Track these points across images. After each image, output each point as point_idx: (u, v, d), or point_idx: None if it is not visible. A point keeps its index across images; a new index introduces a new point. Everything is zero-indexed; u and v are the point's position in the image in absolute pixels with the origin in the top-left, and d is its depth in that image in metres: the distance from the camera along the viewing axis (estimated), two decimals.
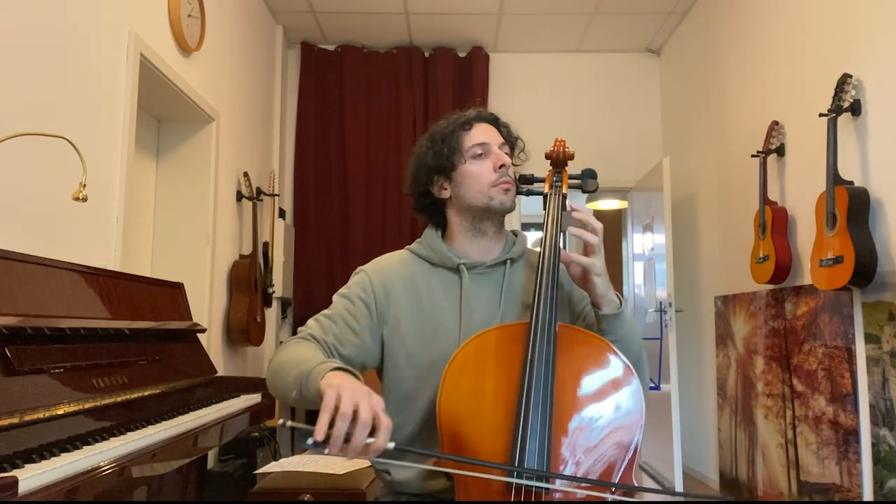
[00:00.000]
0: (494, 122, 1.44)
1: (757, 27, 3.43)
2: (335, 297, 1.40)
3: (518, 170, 1.43)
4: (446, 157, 1.37)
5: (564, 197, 1.37)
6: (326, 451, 0.97)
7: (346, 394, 0.99)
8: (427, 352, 1.31)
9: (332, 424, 0.97)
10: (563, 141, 1.42)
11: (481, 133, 1.39)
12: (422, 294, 1.36)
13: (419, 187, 1.43)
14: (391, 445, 1.00)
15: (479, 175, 1.36)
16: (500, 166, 1.36)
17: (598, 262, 1.27)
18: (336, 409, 0.97)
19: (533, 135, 1.46)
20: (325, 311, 1.38)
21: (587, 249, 1.28)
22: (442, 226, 1.45)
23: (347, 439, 0.97)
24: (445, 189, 1.40)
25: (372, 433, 0.98)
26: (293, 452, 3.04)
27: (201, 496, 2.37)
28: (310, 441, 0.96)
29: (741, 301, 3.53)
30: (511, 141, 1.44)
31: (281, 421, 1.02)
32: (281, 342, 1.38)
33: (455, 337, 1.31)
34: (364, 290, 1.37)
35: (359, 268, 1.43)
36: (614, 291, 1.30)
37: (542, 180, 1.42)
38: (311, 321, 1.37)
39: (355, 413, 0.97)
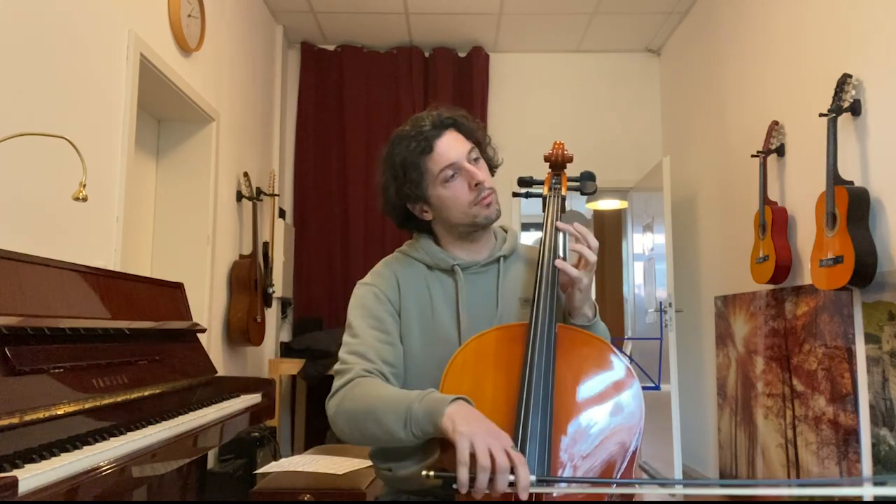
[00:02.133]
0: (453, 124, 1.34)
1: (757, 27, 3.43)
2: (354, 321, 1.32)
3: (516, 171, 1.42)
4: (415, 188, 1.31)
5: (563, 199, 1.37)
6: (474, 496, 1.01)
7: (479, 442, 1.00)
8: (429, 353, 1.31)
9: (472, 473, 0.99)
10: (562, 144, 1.43)
11: (446, 150, 1.30)
12: (421, 295, 1.36)
13: (399, 217, 1.39)
14: (533, 479, 1.00)
15: (456, 199, 1.31)
16: (476, 184, 1.30)
17: (585, 279, 1.27)
18: (472, 457, 0.99)
19: (533, 135, 1.47)
20: (352, 341, 1.30)
21: (580, 263, 1.28)
22: (430, 233, 1.43)
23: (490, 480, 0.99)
24: (426, 212, 1.37)
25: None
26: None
27: (201, 496, 2.36)
28: (454, 486, 1.00)
29: (741, 301, 3.53)
30: (475, 136, 1.36)
31: (424, 473, 1.04)
32: (331, 394, 1.31)
33: (454, 338, 1.31)
34: (379, 301, 1.34)
35: (359, 283, 1.39)
36: (591, 302, 1.31)
37: (542, 183, 1.42)
38: (347, 356, 1.28)
39: (492, 460, 0.99)
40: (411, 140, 1.31)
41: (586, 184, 1.41)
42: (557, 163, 1.42)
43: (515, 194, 1.43)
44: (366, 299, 1.34)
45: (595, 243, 1.28)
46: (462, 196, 1.31)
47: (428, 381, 1.27)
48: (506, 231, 1.46)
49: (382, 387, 1.22)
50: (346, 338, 1.32)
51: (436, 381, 1.22)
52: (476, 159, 1.34)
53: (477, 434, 1.01)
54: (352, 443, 1.24)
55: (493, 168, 1.40)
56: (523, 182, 1.43)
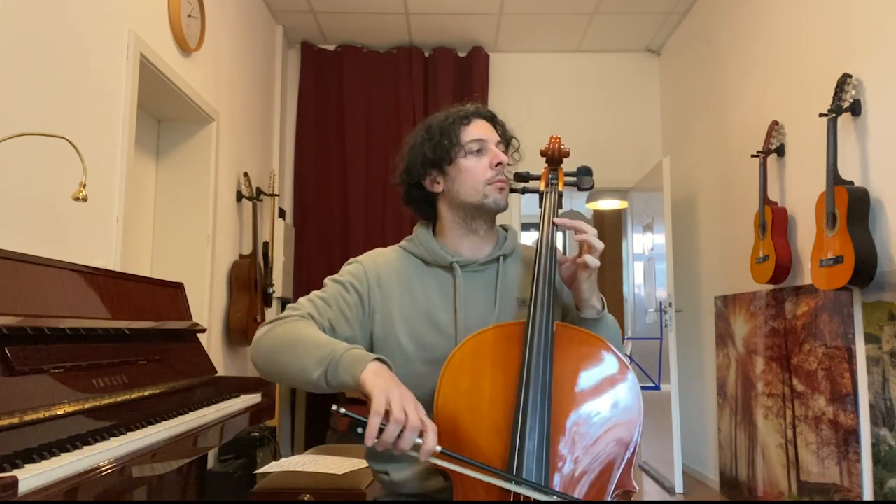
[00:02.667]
0: (492, 119, 1.42)
1: (757, 27, 3.43)
2: (328, 281, 1.37)
3: (511, 169, 1.42)
4: (444, 150, 1.35)
5: (560, 195, 1.37)
6: (377, 447, 1.04)
7: (396, 399, 1.04)
8: (424, 352, 1.31)
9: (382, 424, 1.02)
10: (559, 138, 1.41)
11: (479, 129, 1.37)
12: (417, 293, 1.35)
13: (412, 178, 1.40)
14: (438, 448, 1.05)
15: (474, 171, 1.34)
16: (497, 164, 1.34)
17: (592, 265, 1.26)
18: (387, 412, 1.03)
19: (533, 135, 1.46)
20: (319, 293, 1.35)
21: (582, 249, 1.27)
22: (431, 219, 1.43)
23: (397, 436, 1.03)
24: (438, 183, 1.38)
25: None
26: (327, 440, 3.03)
27: (201, 496, 2.36)
28: (360, 430, 1.03)
29: (741, 301, 3.53)
30: (507, 140, 1.42)
31: (335, 407, 1.07)
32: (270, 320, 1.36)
33: (451, 336, 1.30)
34: (359, 280, 1.35)
35: (353, 258, 1.41)
36: (598, 295, 1.31)
37: (538, 178, 1.41)
38: (303, 300, 1.34)
39: (406, 417, 1.03)
40: (451, 115, 1.38)
41: (583, 178, 1.39)
42: (554, 157, 1.40)
43: (512, 190, 1.42)
44: (349, 272, 1.38)
45: (594, 230, 1.28)
46: (481, 171, 1.34)
47: (420, 379, 1.27)
48: (507, 230, 1.45)
49: (316, 331, 1.24)
50: (313, 291, 1.37)
51: (428, 379, 1.22)
52: (503, 152, 1.39)
53: (395, 391, 1.06)
54: (263, 372, 1.26)
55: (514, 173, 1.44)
56: (520, 177, 1.42)
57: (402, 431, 1.03)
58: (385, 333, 1.33)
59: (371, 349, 1.35)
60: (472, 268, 1.36)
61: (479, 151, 1.35)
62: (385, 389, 1.06)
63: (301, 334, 1.22)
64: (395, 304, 1.34)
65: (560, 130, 1.60)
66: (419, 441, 1.03)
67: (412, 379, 1.31)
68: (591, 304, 1.30)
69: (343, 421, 1.12)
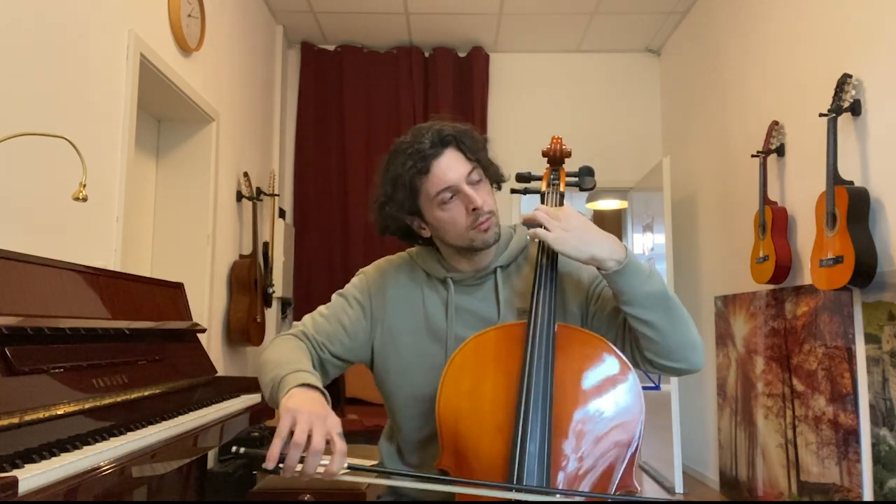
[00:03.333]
0: (453, 142, 1.26)
1: (757, 27, 3.43)
2: (334, 296, 1.41)
3: (511, 169, 1.36)
4: (411, 206, 1.27)
5: (562, 195, 1.36)
6: (282, 474, 1.00)
7: (302, 419, 1.01)
8: (422, 360, 1.31)
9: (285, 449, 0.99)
10: (560, 138, 1.41)
11: (443, 171, 1.23)
12: (417, 303, 1.35)
13: (396, 231, 1.34)
14: (346, 467, 1.01)
15: (453, 222, 1.25)
16: (474, 209, 1.23)
17: (551, 234, 1.18)
18: (291, 434, 0.99)
19: (532, 134, 1.45)
20: (322, 309, 1.39)
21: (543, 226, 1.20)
22: (432, 244, 1.38)
23: (302, 460, 0.99)
24: (424, 229, 1.32)
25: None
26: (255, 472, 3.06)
27: (201, 496, 2.36)
28: (263, 465, 0.99)
29: (741, 301, 3.53)
30: (476, 153, 1.28)
31: (234, 448, 1.04)
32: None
33: (441, 347, 1.30)
34: (361, 292, 1.38)
35: (361, 270, 1.43)
36: (606, 243, 1.18)
37: (540, 178, 1.41)
38: (306, 317, 1.38)
39: (309, 439, 0.99)
40: (408, 158, 1.24)
41: (585, 179, 1.39)
42: (556, 158, 1.40)
43: (514, 191, 1.42)
44: (353, 285, 1.40)
45: (545, 211, 1.21)
46: (459, 219, 1.24)
47: (419, 388, 1.28)
48: (514, 230, 1.39)
49: (293, 350, 1.26)
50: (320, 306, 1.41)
51: (426, 388, 1.23)
52: (477, 182, 1.26)
53: (302, 412, 1.02)
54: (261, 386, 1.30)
55: (498, 183, 1.34)
56: (521, 178, 1.41)
57: (305, 455, 0.99)
58: (384, 342, 1.35)
59: (372, 358, 1.36)
60: (468, 282, 1.33)
61: (451, 198, 1.24)
62: (293, 411, 1.02)
63: (272, 356, 1.25)
64: (396, 313, 1.35)
65: (560, 130, 1.59)
66: (325, 463, 1.00)
67: (411, 388, 1.31)
68: (596, 258, 1.17)
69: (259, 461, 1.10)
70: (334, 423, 1.03)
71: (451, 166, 1.24)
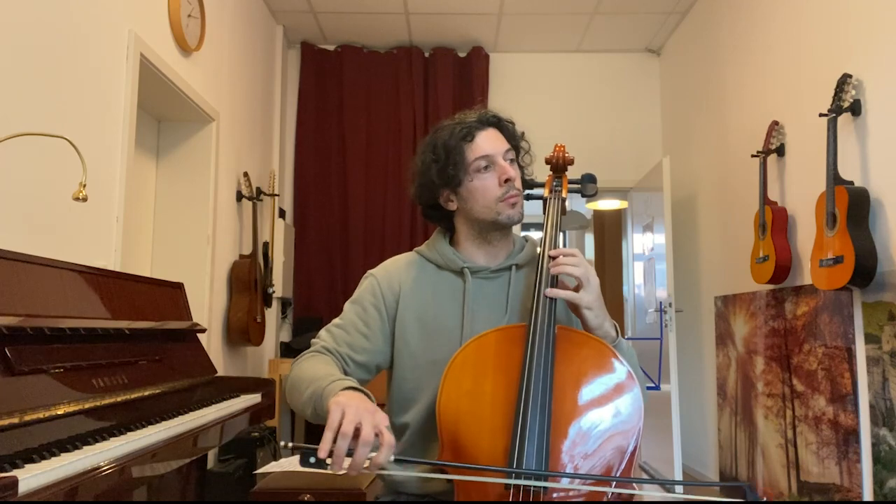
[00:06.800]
0: (497, 123, 1.39)
1: (757, 27, 3.43)
2: (346, 305, 1.41)
3: (528, 169, 1.42)
4: (451, 174, 1.34)
5: (564, 201, 1.38)
6: (329, 468, 1.01)
7: (350, 412, 1.02)
8: (429, 353, 1.32)
9: (335, 441, 1.00)
10: (563, 146, 1.44)
11: (484, 143, 1.35)
12: (427, 296, 1.37)
13: (427, 200, 1.41)
14: (392, 459, 1.03)
15: (484, 191, 1.34)
16: (506, 180, 1.33)
17: (585, 297, 1.24)
18: (339, 426, 1.01)
19: (533, 135, 1.46)
20: (336, 321, 1.40)
21: (578, 284, 1.26)
22: (451, 231, 1.45)
23: (350, 454, 1.00)
24: (452, 201, 1.39)
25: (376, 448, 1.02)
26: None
27: (201, 496, 2.36)
28: (312, 459, 1.00)
29: (741, 301, 3.53)
30: (515, 141, 1.41)
31: (283, 443, 1.08)
32: (294, 358, 1.40)
33: (457, 340, 1.31)
34: (374, 294, 1.39)
35: (368, 272, 1.44)
36: (610, 322, 1.29)
37: (542, 185, 1.43)
38: (322, 332, 1.39)
39: (357, 431, 1.00)
40: (455, 126, 1.36)
41: (587, 186, 1.43)
42: (559, 165, 1.43)
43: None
44: (363, 290, 1.41)
45: (579, 256, 1.26)
46: (490, 189, 1.33)
47: (427, 380, 1.28)
48: (526, 240, 1.46)
49: (318, 366, 1.26)
50: (334, 319, 1.42)
51: (434, 380, 1.22)
52: (512, 160, 1.37)
53: (351, 406, 1.04)
54: (291, 406, 1.30)
55: (523, 178, 1.42)
56: (524, 184, 1.43)
57: (353, 446, 1.00)
58: (398, 337, 1.36)
59: (393, 356, 1.38)
60: (483, 274, 1.37)
61: (486, 168, 1.34)
62: (342, 405, 1.04)
63: (304, 374, 1.25)
64: (407, 308, 1.36)
65: (560, 131, 1.61)
66: (372, 456, 1.01)
67: (419, 381, 1.32)
68: (604, 330, 1.26)
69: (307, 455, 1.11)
70: (382, 418, 1.04)
71: (491, 139, 1.36)
